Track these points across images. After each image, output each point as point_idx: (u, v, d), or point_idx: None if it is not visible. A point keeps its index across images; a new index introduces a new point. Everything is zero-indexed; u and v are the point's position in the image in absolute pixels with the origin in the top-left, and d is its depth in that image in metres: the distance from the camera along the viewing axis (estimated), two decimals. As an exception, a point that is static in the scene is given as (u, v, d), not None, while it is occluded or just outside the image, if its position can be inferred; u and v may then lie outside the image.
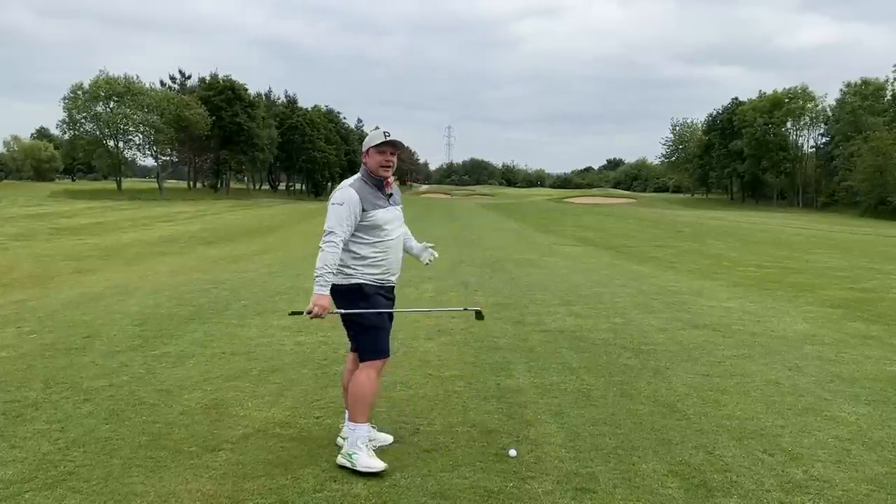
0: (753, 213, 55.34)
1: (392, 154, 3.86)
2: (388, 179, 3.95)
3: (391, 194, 3.98)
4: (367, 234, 3.83)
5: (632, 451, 4.01)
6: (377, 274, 3.88)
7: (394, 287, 4.07)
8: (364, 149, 3.91)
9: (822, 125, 74.36)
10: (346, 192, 3.78)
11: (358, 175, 3.93)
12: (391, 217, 3.91)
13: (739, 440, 4.20)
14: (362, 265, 3.84)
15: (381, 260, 3.89)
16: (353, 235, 3.80)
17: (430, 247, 4.27)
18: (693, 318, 8.17)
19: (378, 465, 3.67)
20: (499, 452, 3.96)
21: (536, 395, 5.07)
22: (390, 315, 4.04)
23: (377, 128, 3.93)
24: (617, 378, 5.52)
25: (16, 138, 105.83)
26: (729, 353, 6.40)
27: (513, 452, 3.94)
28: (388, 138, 3.80)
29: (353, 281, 3.86)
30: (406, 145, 3.88)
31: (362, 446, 3.74)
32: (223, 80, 70.72)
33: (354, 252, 3.84)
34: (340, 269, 3.80)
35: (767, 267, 14.54)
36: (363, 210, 3.75)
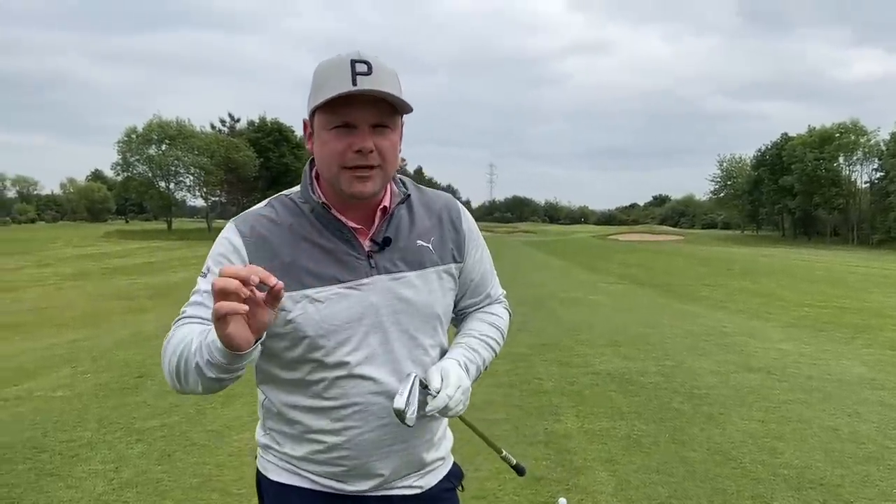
0: (806, 251, 54.00)
1: (376, 128, 1.39)
2: (381, 199, 1.52)
3: (387, 240, 1.51)
4: (282, 355, 1.56)
5: (685, 500, 3.91)
6: (317, 469, 1.57)
7: None
8: (308, 112, 1.44)
9: (877, 160, 72.58)
10: (221, 239, 1.53)
11: (295, 189, 1.57)
12: (350, 312, 1.48)
13: (798, 490, 4.05)
14: (279, 436, 1.64)
15: (328, 434, 1.53)
16: (264, 347, 1.46)
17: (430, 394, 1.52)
18: (746, 360, 7.97)
19: None
20: (548, 500, 3.91)
21: (585, 440, 4.98)
22: None
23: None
24: (669, 424, 5.40)
25: (72, 181, 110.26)
26: (785, 398, 6.21)
27: (562, 501, 3.85)
28: (355, 87, 1.32)
29: (260, 469, 1.68)
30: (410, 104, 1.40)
31: None
32: (271, 123, 72.59)
33: (263, 394, 1.70)
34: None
35: (822, 306, 14.13)
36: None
